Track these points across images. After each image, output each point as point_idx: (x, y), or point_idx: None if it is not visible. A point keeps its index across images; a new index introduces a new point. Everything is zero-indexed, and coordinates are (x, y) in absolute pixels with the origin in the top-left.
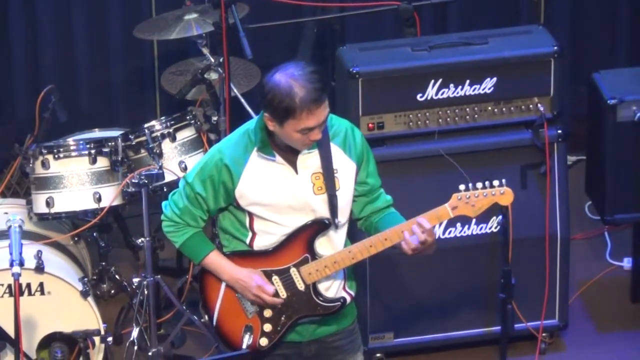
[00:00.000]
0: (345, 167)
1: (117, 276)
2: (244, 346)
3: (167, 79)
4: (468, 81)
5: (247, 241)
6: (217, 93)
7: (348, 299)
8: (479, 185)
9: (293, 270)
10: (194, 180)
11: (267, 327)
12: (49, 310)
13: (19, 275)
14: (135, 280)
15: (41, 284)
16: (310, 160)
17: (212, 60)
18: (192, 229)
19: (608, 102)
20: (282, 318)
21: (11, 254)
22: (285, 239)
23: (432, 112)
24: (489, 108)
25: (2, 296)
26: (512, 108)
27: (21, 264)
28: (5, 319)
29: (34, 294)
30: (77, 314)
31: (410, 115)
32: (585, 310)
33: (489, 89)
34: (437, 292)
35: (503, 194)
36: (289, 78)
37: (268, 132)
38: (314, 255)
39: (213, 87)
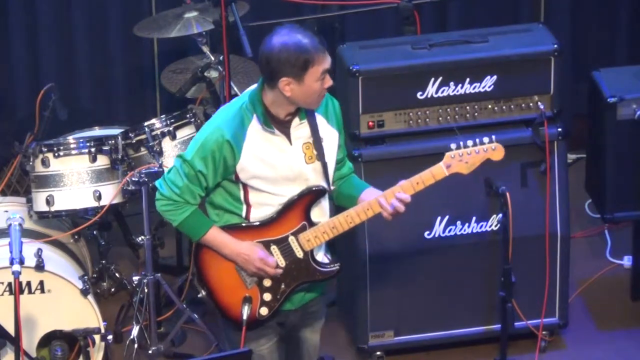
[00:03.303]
0: (329, 136)
1: (117, 274)
2: (244, 316)
3: (167, 77)
4: (468, 79)
5: (243, 214)
6: (217, 91)
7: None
8: (470, 142)
9: (291, 239)
10: (194, 158)
11: (267, 297)
12: (49, 309)
13: (19, 273)
14: (136, 278)
15: (41, 282)
16: (300, 130)
17: (212, 58)
18: (191, 207)
19: (608, 100)
20: (282, 286)
21: (11, 252)
22: (281, 209)
23: (433, 110)
24: (489, 106)
25: (2, 294)
26: (512, 106)
27: (21, 262)
28: (5, 317)
29: (34, 292)
30: (77, 312)
31: (411, 114)
32: (586, 308)
33: (489, 87)
34: (438, 290)
35: (495, 149)
36: (291, 35)
37: (265, 104)
38: (310, 223)
39: (213, 85)
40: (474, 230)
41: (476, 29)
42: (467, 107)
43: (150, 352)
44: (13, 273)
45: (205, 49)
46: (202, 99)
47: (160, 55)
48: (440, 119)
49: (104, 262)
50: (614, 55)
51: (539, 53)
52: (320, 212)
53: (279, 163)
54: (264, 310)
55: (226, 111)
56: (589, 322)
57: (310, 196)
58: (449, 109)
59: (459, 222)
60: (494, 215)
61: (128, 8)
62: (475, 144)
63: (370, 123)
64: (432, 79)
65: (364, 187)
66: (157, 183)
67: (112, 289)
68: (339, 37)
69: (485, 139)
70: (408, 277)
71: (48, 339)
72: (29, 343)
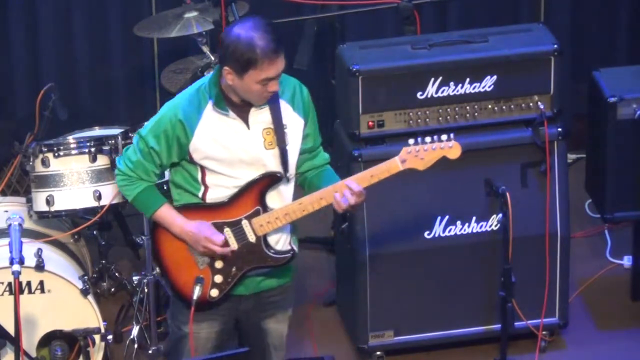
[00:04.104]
0: (293, 123)
1: (117, 274)
2: (195, 297)
3: (167, 77)
4: (468, 79)
5: (200, 195)
6: None
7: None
8: (428, 139)
9: (244, 222)
10: (148, 134)
11: (218, 279)
12: (49, 309)
13: (19, 273)
14: (135, 278)
15: (41, 282)
16: (261, 115)
17: (212, 58)
18: (145, 183)
19: (608, 100)
20: (233, 269)
21: (11, 252)
22: (237, 192)
23: (432, 110)
24: (489, 106)
25: (2, 294)
26: (512, 106)
27: (21, 262)
28: (5, 317)
29: (34, 292)
30: (77, 312)
31: (411, 114)
32: (586, 308)
33: (489, 87)
34: (438, 290)
35: (451, 147)
36: (249, 30)
37: (222, 88)
38: (265, 208)
39: None
40: (474, 230)
41: (476, 29)
42: (467, 107)
43: (150, 352)
44: (13, 273)
45: (205, 49)
46: None
47: (160, 55)
48: (440, 119)
49: (103, 262)
50: (614, 55)
51: (539, 53)
52: (279, 198)
53: (233, 145)
54: (214, 292)
55: (186, 92)
56: (589, 322)
57: (265, 181)
58: (449, 109)
59: (459, 222)
60: (494, 215)
61: (128, 8)
62: (432, 141)
63: (370, 123)
64: (432, 79)
65: (334, 180)
66: (117, 158)
67: (112, 289)
68: (339, 37)
69: (444, 137)
70: (408, 277)
71: (48, 339)
72: (29, 343)
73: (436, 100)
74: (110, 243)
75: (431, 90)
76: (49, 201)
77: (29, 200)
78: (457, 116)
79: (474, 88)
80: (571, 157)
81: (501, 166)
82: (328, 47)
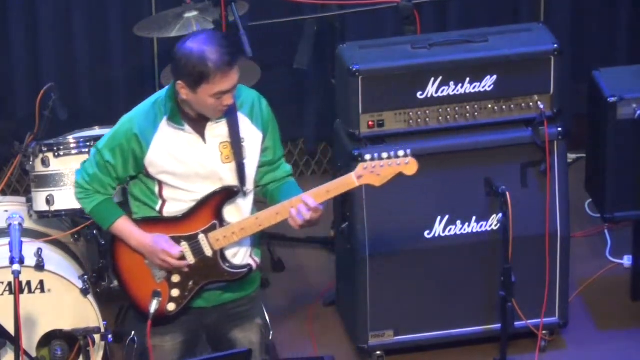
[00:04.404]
0: (252, 136)
1: None
2: (152, 310)
3: (168, 77)
4: (468, 79)
5: (157, 208)
6: None
7: (254, 266)
8: (384, 154)
9: (201, 237)
10: (104, 148)
11: (175, 292)
12: (49, 308)
13: (19, 273)
14: None
15: (41, 282)
16: (218, 129)
17: None
18: (102, 196)
19: (608, 99)
20: (190, 283)
21: (11, 251)
22: (194, 206)
23: (432, 110)
24: (489, 106)
25: (2, 294)
26: (512, 106)
27: (21, 261)
28: (5, 317)
29: (34, 292)
30: (77, 311)
31: (411, 113)
32: (586, 308)
33: (489, 86)
34: (438, 290)
35: (407, 163)
36: (201, 43)
37: (178, 101)
38: (222, 222)
39: None
40: (474, 230)
41: (476, 29)
42: (467, 107)
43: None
44: (13, 273)
45: None
46: None
47: (160, 55)
48: (440, 118)
49: (103, 261)
50: (614, 55)
51: (539, 53)
52: (237, 212)
53: (189, 160)
54: (171, 306)
55: (143, 105)
56: (589, 321)
57: (222, 195)
58: (449, 109)
59: (459, 222)
60: (494, 215)
61: (128, 8)
62: (389, 157)
63: (370, 123)
64: (432, 79)
65: (295, 193)
66: (75, 171)
67: (112, 289)
68: (339, 37)
69: (400, 152)
70: (408, 277)
71: (48, 339)
72: (29, 343)
73: (436, 100)
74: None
75: (431, 90)
76: (49, 201)
77: (29, 200)
78: (457, 116)
79: (474, 88)
80: (571, 157)
81: (501, 166)
82: (328, 47)
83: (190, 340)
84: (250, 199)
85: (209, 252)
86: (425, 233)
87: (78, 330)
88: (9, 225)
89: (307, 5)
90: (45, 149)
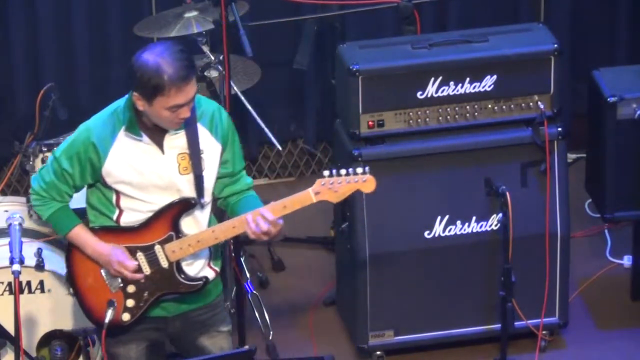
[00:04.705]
0: (211, 148)
1: None
2: (107, 320)
3: None
4: (468, 79)
5: (114, 218)
6: (217, 91)
7: (211, 276)
8: (343, 171)
9: (157, 248)
10: (61, 156)
11: (130, 303)
12: (49, 308)
13: (19, 273)
14: None
15: (41, 282)
16: (176, 140)
17: (212, 58)
18: (58, 203)
19: (608, 99)
20: (145, 294)
21: (11, 251)
22: (151, 217)
23: (432, 109)
24: (489, 106)
25: (2, 294)
26: (512, 106)
27: (21, 261)
28: (5, 317)
29: (34, 292)
30: (77, 311)
31: (411, 113)
32: (586, 308)
33: (489, 86)
34: (438, 290)
35: (365, 181)
36: (157, 56)
37: (136, 111)
38: (178, 234)
39: (213, 84)
40: (474, 230)
41: (476, 29)
42: (467, 107)
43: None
44: (13, 272)
45: (206, 48)
46: None
47: None
48: (440, 118)
49: None
50: (613, 55)
51: (539, 53)
52: (195, 223)
53: (146, 170)
54: (126, 316)
55: (102, 113)
56: (589, 321)
57: (178, 207)
58: (449, 109)
59: (459, 222)
60: (494, 215)
61: (128, 8)
62: (347, 174)
63: (370, 123)
64: (432, 79)
65: (255, 206)
66: (32, 177)
67: None
68: (339, 37)
69: (359, 170)
70: (408, 277)
71: (48, 339)
72: (29, 343)
73: (436, 100)
74: None
75: (431, 89)
76: None
77: (29, 200)
78: (457, 116)
79: (474, 88)
80: (571, 156)
81: (501, 166)
82: (328, 47)
83: (156, 345)
84: (207, 211)
85: (164, 264)
86: (425, 233)
87: (78, 331)
88: (9, 225)
89: (307, 5)
90: (45, 149)
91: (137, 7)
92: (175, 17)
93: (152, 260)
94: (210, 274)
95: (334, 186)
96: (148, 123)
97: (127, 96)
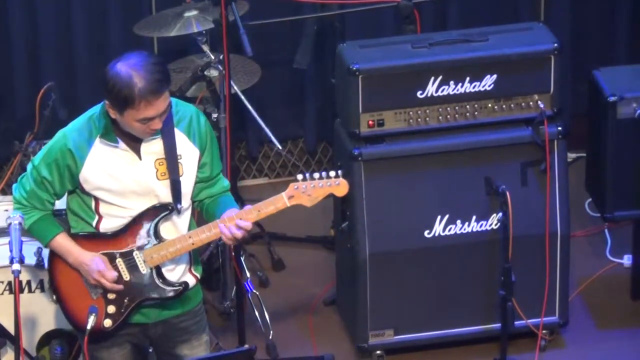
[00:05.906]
0: (188, 153)
1: None
2: (89, 326)
3: None
4: (468, 78)
5: (94, 224)
6: (217, 90)
7: (192, 282)
8: (316, 175)
9: (136, 253)
10: (40, 164)
11: (111, 309)
12: (49, 308)
13: (19, 272)
14: None
15: (41, 281)
16: (153, 146)
17: (212, 57)
18: (40, 212)
19: (608, 99)
20: (126, 300)
21: (11, 251)
22: (129, 222)
23: (432, 109)
24: (489, 105)
25: (2, 293)
26: (512, 105)
27: (21, 261)
28: (5, 317)
29: (34, 291)
30: None
31: (410, 113)
32: (586, 307)
33: (489, 86)
34: (438, 289)
35: (338, 184)
36: (130, 68)
37: (112, 118)
38: (157, 239)
39: (213, 84)
40: (474, 230)
41: (476, 28)
42: (467, 106)
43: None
44: (13, 272)
45: (206, 48)
46: (202, 98)
47: (160, 54)
48: (440, 118)
49: None
50: (614, 54)
51: (539, 52)
52: (173, 228)
53: (124, 177)
54: (107, 322)
55: (78, 120)
56: (589, 321)
57: (156, 212)
58: (449, 108)
59: (459, 221)
60: (494, 214)
61: (128, 7)
62: (321, 178)
63: (370, 122)
64: (432, 78)
65: (228, 207)
66: (13, 186)
67: None
68: (339, 36)
69: (332, 173)
70: (408, 276)
71: (48, 338)
72: (29, 342)
73: (436, 99)
74: None
75: (431, 89)
76: None
77: None
78: (457, 115)
79: (474, 87)
80: (571, 156)
81: (501, 165)
82: (328, 46)
83: (139, 346)
84: (187, 215)
85: (144, 270)
86: (425, 232)
87: None
88: (9, 224)
89: (307, 4)
90: None
91: (137, 6)
92: (175, 16)
93: (132, 266)
94: (191, 280)
95: (307, 190)
96: (125, 129)
97: (102, 102)
